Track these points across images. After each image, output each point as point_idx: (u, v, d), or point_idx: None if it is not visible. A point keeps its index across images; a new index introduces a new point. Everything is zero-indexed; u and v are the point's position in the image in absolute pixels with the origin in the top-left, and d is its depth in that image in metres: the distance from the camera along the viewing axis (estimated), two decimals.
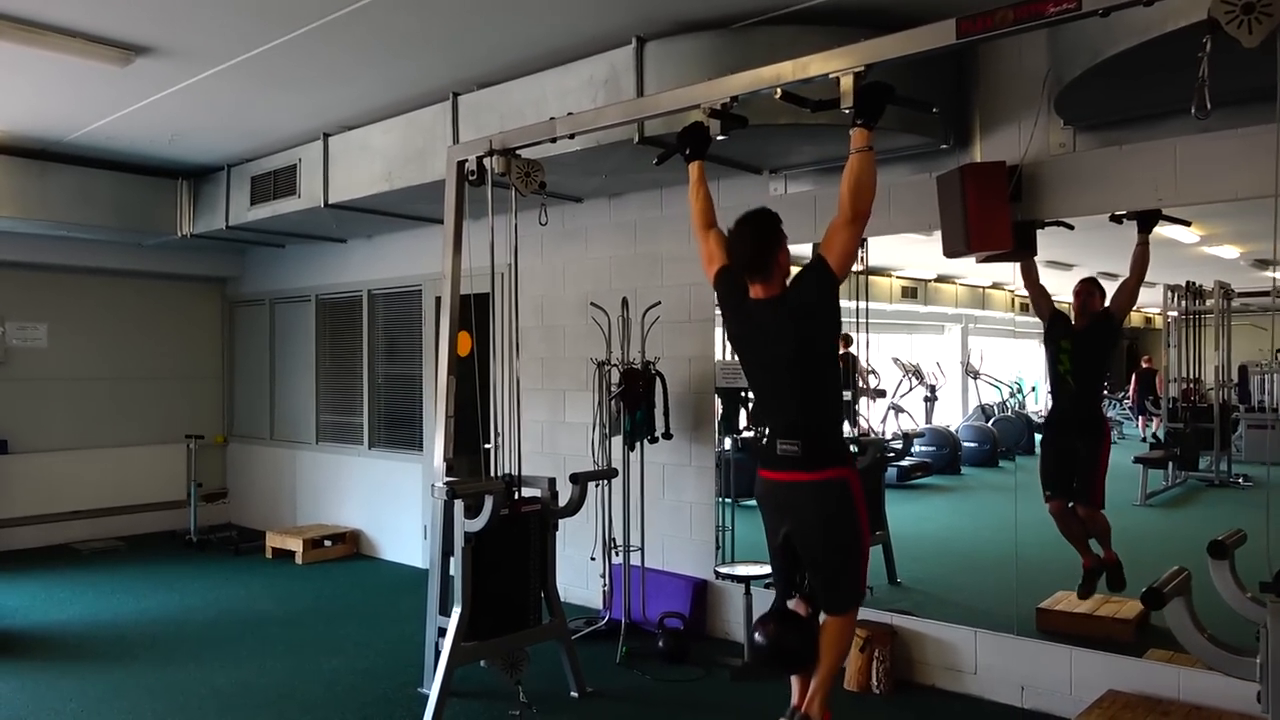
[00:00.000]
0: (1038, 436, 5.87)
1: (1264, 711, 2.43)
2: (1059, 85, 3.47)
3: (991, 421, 6.14)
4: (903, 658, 4.39)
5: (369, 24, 4.04)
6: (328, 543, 7.22)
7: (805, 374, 2.98)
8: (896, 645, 4.36)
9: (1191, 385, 4.76)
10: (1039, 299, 4.45)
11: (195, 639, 5.15)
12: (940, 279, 5.55)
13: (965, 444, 6.06)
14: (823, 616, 3.10)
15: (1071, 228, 4.17)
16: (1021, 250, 4.13)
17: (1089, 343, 4.41)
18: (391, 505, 7.14)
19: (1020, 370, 6.08)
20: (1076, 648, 3.99)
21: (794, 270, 3.06)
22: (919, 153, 4.35)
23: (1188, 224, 4.03)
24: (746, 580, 4.60)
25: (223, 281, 8.70)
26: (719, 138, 3.23)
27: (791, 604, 3.13)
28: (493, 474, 4.12)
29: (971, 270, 5.62)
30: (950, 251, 4.08)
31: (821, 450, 2.95)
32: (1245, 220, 3.88)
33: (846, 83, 2.82)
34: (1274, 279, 4.06)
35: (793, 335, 2.95)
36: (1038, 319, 4.56)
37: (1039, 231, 4.15)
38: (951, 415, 5.84)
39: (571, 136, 3.75)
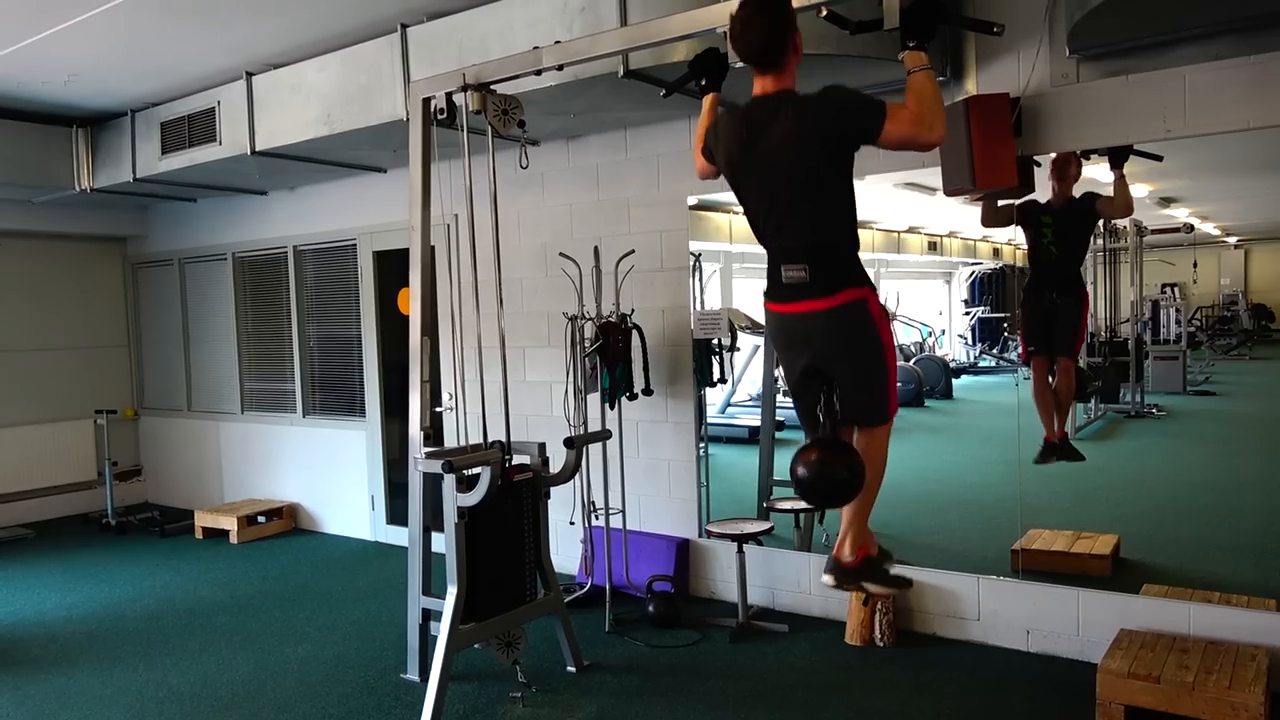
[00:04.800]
0: (954, 381, 5.92)
1: None
2: (1081, 10, 3.29)
3: (913, 361, 6.14)
4: (904, 608, 4.30)
5: None
6: (263, 519, 6.74)
7: (813, 185, 2.60)
8: (898, 596, 4.27)
9: (1106, 321, 4.88)
10: (1002, 216, 4.36)
11: (138, 635, 4.68)
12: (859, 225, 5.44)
13: None
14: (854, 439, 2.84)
15: (1039, 164, 4.10)
16: (1023, 187, 3.99)
17: (1070, 218, 4.35)
18: (332, 476, 6.70)
19: (927, 317, 6.10)
20: (1083, 589, 3.96)
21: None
22: None
23: (1159, 158, 3.97)
24: (740, 538, 4.43)
25: (123, 241, 7.93)
26: (737, 65, 2.93)
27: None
28: (457, 439, 3.81)
29: (888, 215, 5.57)
30: (953, 189, 3.92)
31: (832, 271, 2.61)
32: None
33: (891, 0, 2.57)
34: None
35: (807, 138, 2.53)
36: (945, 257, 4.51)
37: None
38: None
39: (560, 68, 3.39)
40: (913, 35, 2.53)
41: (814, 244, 2.63)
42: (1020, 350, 4.45)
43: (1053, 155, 4.24)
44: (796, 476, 2.72)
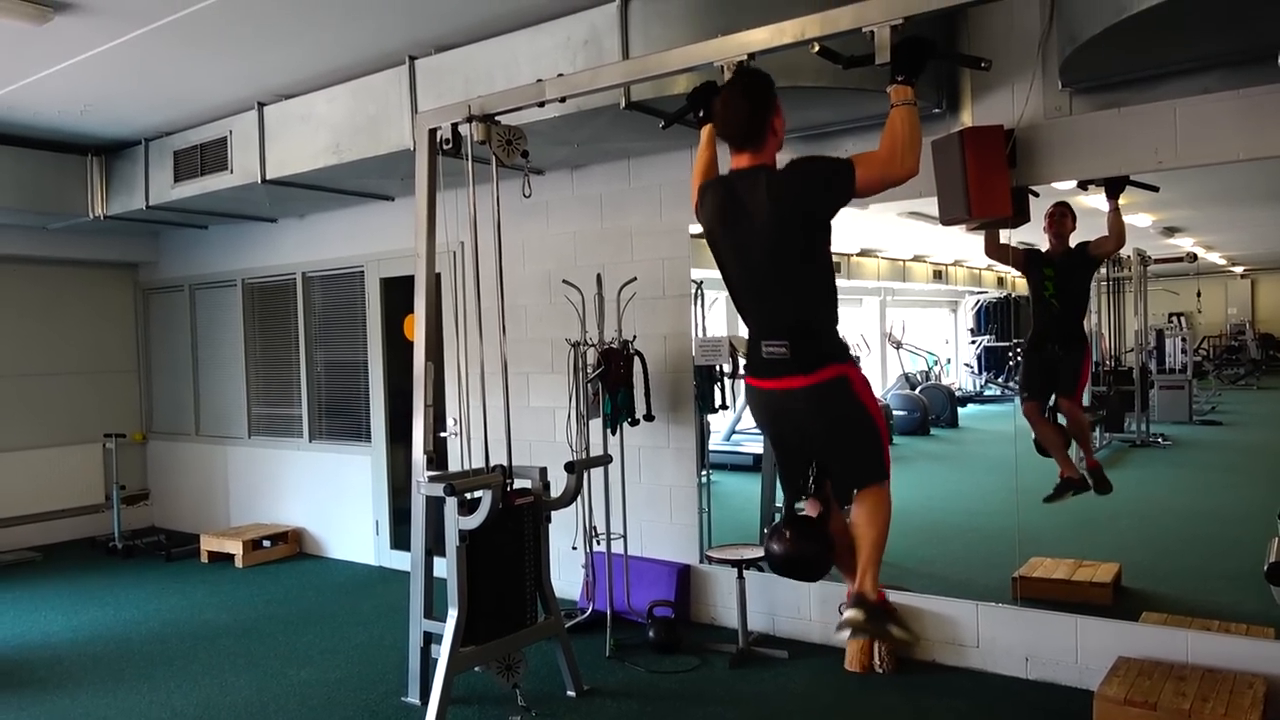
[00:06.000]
0: (960, 410, 5.95)
1: None
2: (1072, 45, 3.36)
3: (919, 390, 6.16)
4: None
5: None
6: (268, 543, 6.78)
7: (791, 261, 2.61)
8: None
9: (1110, 350, 4.91)
10: (1003, 253, 4.38)
11: (141, 657, 4.72)
12: (863, 253, 5.50)
13: (896, 413, 6.06)
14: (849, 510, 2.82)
15: (1036, 194, 4.15)
16: (1018, 217, 4.05)
17: (1070, 268, 4.42)
18: (337, 501, 6.74)
19: (932, 345, 6.13)
20: (1082, 616, 3.97)
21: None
22: None
23: (1155, 189, 4.03)
24: (740, 564, 4.45)
25: (135, 267, 8.05)
26: None
27: (802, 507, 2.87)
28: (460, 464, 3.87)
29: (893, 243, 5.60)
30: (948, 219, 3.98)
31: (813, 349, 2.61)
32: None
33: (883, 36, 2.63)
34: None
35: (781, 215, 2.57)
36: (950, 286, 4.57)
37: None
38: (874, 386, 5.83)
39: (563, 100, 3.47)
40: (901, 71, 2.60)
41: (795, 321, 2.65)
42: (1021, 398, 4.41)
43: (1048, 211, 4.31)
44: (769, 554, 2.81)
